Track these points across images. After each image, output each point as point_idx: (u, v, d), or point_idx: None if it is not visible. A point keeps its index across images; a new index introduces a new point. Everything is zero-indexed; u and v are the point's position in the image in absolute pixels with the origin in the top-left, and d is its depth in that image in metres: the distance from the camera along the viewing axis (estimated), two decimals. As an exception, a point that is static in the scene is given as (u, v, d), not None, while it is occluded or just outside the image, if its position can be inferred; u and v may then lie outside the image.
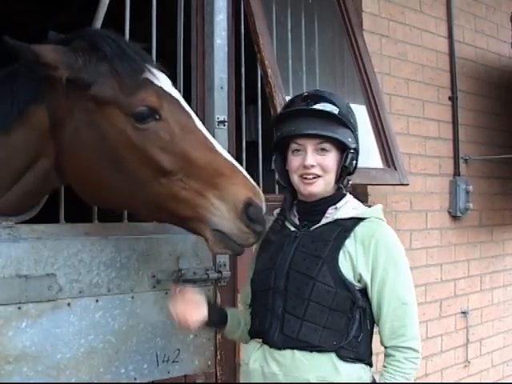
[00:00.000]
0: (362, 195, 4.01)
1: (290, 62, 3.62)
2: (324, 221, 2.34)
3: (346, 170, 2.33)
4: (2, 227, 2.44)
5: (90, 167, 2.25)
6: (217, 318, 2.46)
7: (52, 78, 2.20)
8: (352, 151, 2.33)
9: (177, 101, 2.29)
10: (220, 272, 3.04)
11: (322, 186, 2.32)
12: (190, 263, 2.93)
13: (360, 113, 3.81)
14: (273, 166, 2.45)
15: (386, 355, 2.26)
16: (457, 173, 4.79)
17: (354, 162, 2.35)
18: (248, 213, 2.18)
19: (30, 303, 2.47)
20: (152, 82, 2.23)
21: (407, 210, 4.39)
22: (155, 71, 2.28)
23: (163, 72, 2.33)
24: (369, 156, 3.71)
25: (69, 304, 2.58)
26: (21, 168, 2.35)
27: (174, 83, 3.10)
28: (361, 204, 2.42)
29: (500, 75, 5.17)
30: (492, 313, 5.24)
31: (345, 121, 2.32)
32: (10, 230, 2.46)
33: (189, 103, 3.12)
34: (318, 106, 2.31)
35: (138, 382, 2.76)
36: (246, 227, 2.20)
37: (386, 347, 2.27)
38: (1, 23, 4.42)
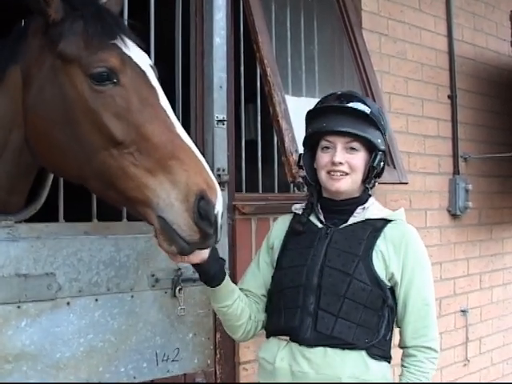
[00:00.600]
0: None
1: (289, 60, 3.61)
2: (353, 219, 2.36)
3: (373, 170, 2.35)
4: (1, 226, 2.44)
5: (47, 129, 2.17)
6: (216, 267, 2.33)
7: (34, 23, 2.21)
8: (380, 152, 2.36)
9: (143, 72, 2.17)
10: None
11: (349, 183, 2.33)
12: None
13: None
14: (301, 162, 2.45)
15: (407, 355, 2.30)
16: (456, 171, 4.79)
17: (382, 163, 2.38)
18: (199, 207, 2.01)
19: (29, 302, 2.47)
20: (119, 48, 2.15)
21: (407, 208, 4.32)
22: (130, 43, 2.20)
23: (141, 49, 2.26)
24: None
25: (68, 303, 2.58)
26: (1, 139, 2.31)
27: (173, 83, 3.13)
28: (383, 207, 2.47)
29: (499, 73, 5.18)
30: (492, 311, 5.24)
31: (376, 121, 2.35)
32: (9, 229, 2.46)
33: (188, 102, 3.17)
34: (350, 105, 2.34)
35: (137, 381, 2.77)
36: (194, 224, 2.02)
37: (407, 347, 2.31)
38: None
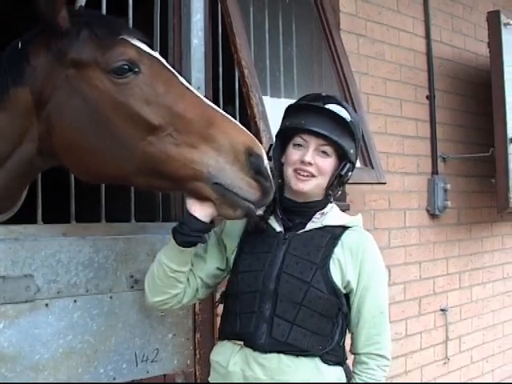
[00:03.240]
0: (340, 194, 4.03)
1: (267, 62, 3.62)
2: (312, 225, 2.34)
3: (340, 178, 2.34)
4: (-22, 229, 2.44)
5: (77, 138, 2.18)
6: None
7: (35, 42, 2.21)
8: (350, 164, 2.35)
9: (158, 59, 2.23)
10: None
11: (313, 186, 2.31)
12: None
13: (338, 112, 3.84)
14: (271, 153, 2.39)
15: (359, 362, 2.32)
16: (435, 171, 4.83)
17: (350, 173, 2.37)
18: (251, 163, 2.06)
19: (7, 304, 2.47)
20: (130, 41, 2.19)
21: (385, 208, 4.42)
22: (134, 38, 2.24)
23: (144, 42, 2.28)
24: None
25: (47, 305, 2.58)
26: (5, 152, 2.29)
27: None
28: (343, 212, 2.47)
29: (477, 74, 5.22)
30: (471, 310, 5.29)
31: (354, 132, 2.34)
32: (-14, 231, 2.46)
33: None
34: (333, 109, 2.31)
35: (117, 381, 2.77)
36: (252, 179, 2.07)
37: (359, 354, 2.32)
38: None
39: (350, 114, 2.34)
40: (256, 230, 2.36)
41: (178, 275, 2.29)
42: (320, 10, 3.89)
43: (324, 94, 2.43)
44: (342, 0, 4.14)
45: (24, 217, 2.64)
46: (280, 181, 2.37)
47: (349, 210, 4.05)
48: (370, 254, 2.33)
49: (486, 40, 4.81)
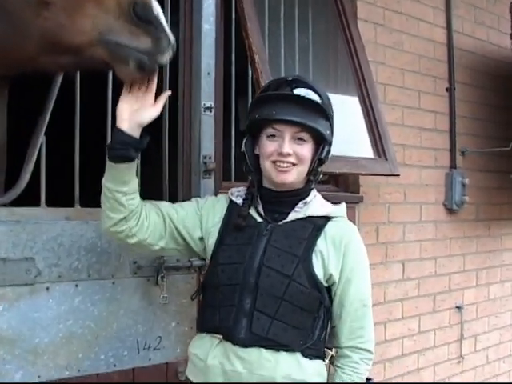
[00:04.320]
0: (353, 185, 3.98)
1: (282, 50, 3.57)
2: (294, 215, 2.27)
3: (320, 162, 2.28)
4: (-21, 210, 2.43)
5: None
6: (137, 141, 2.18)
7: None
8: (328, 145, 2.29)
9: None
10: (203, 259, 2.99)
11: (295, 175, 2.24)
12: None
13: (352, 102, 3.78)
14: (243, 148, 2.33)
15: (342, 356, 2.26)
16: (453, 165, 4.73)
17: (329, 155, 2.31)
18: (135, 12, 2.01)
19: (7, 286, 2.45)
20: None
21: (401, 201, 4.34)
22: None
23: None
24: (360, 146, 3.68)
25: (47, 288, 2.56)
26: None
27: (161, 69, 3.09)
28: (326, 201, 2.38)
29: (498, 66, 5.10)
30: (488, 308, 5.19)
31: (327, 112, 2.26)
32: (-13, 213, 2.44)
33: (176, 89, 3.14)
34: (302, 93, 2.23)
35: (117, 369, 2.75)
36: (136, 27, 2.02)
37: (341, 347, 2.27)
38: None
39: (319, 94, 2.26)
40: (235, 226, 2.28)
41: (116, 196, 2.18)
42: (337, -3, 3.82)
43: (290, 78, 2.32)
44: (360, -12, 4.07)
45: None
46: (256, 173, 2.31)
47: (362, 202, 4.00)
48: (354, 247, 2.27)
49: (510, 32, 4.71)
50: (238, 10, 3.22)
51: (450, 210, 4.75)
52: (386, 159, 3.65)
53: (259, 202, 2.31)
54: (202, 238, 2.37)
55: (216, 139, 3.13)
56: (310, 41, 3.73)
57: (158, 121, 3.07)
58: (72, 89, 2.78)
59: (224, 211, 2.36)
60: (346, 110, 3.74)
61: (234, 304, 2.19)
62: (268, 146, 2.23)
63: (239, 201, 2.34)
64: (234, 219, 2.30)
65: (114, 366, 2.74)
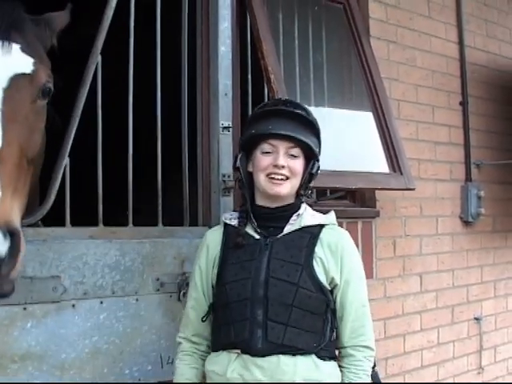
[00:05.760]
0: (369, 200, 4.04)
1: (297, 69, 3.65)
2: (290, 228, 2.38)
3: (310, 177, 2.41)
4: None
5: None
6: None
7: None
8: (317, 161, 2.42)
9: None
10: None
11: (289, 188, 2.36)
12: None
13: (367, 119, 3.85)
14: (238, 164, 2.44)
15: (346, 355, 2.35)
16: (468, 178, 4.77)
17: (319, 171, 2.44)
18: None
19: (34, 304, 2.54)
20: None
21: (417, 215, 4.39)
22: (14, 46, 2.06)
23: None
24: (375, 161, 3.74)
25: (73, 305, 2.65)
26: None
27: (179, 91, 3.19)
28: (315, 211, 2.49)
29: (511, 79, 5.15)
30: (507, 319, 5.18)
31: (317, 130, 2.42)
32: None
33: (194, 110, 3.23)
34: (296, 110, 2.39)
35: (142, 382, 2.82)
36: None
37: (344, 347, 2.35)
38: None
39: (309, 114, 2.41)
40: (235, 245, 2.38)
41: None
42: (349, 16, 3.91)
43: (284, 98, 2.50)
44: (372, 6, 4.15)
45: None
46: (249, 191, 2.42)
47: (379, 216, 4.05)
48: (349, 251, 2.40)
49: (522, 44, 4.76)
50: (253, 31, 3.31)
51: (466, 223, 4.78)
52: (402, 174, 3.71)
53: (253, 220, 2.40)
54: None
55: (234, 158, 3.20)
56: (324, 59, 3.81)
57: (178, 141, 3.19)
58: (94, 110, 2.87)
59: (221, 238, 2.45)
60: (361, 126, 3.82)
61: (246, 318, 2.27)
62: (263, 160, 2.35)
63: (234, 222, 2.44)
64: (233, 239, 2.39)
65: (139, 380, 2.81)
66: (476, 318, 4.86)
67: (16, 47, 2.06)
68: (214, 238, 2.49)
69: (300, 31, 3.70)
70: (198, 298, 2.45)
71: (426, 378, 4.39)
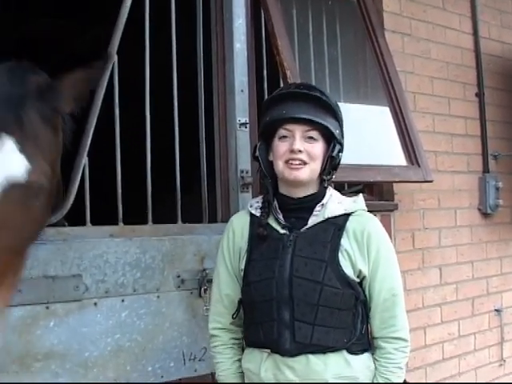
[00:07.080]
0: (387, 193, 4.03)
1: (312, 64, 3.65)
2: (314, 220, 2.29)
3: (331, 161, 2.30)
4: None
5: None
6: None
7: None
8: (339, 144, 2.31)
9: None
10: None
11: (308, 173, 2.26)
12: (215, 263, 2.97)
13: (383, 112, 3.84)
14: (257, 153, 2.37)
15: (377, 347, 2.30)
16: (486, 169, 4.74)
17: (340, 154, 2.33)
18: None
19: (57, 303, 2.57)
20: None
21: (435, 207, 4.37)
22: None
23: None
24: (392, 155, 3.73)
25: (95, 304, 2.67)
26: None
27: (195, 88, 3.20)
28: (342, 196, 2.40)
29: (528, 70, 5.11)
30: (528, 311, 5.16)
31: (335, 111, 2.31)
32: (37, 232, 2.54)
33: (211, 107, 3.24)
34: (311, 92, 2.29)
35: (164, 380, 2.84)
36: None
37: (375, 338, 2.30)
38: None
39: (327, 96, 2.31)
40: (259, 237, 2.32)
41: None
42: (363, 9, 3.90)
43: (298, 82, 2.38)
44: (386, -1, 4.13)
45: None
46: (271, 180, 2.35)
47: (397, 209, 4.04)
48: (375, 238, 2.28)
49: (537, 34, 4.73)
50: (267, 28, 3.31)
51: (485, 214, 4.75)
52: (419, 166, 3.70)
53: (279, 211, 2.34)
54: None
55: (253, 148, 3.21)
56: (339, 53, 3.80)
57: (195, 138, 3.20)
58: (112, 109, 2.88)
59: (247, 226, 2.39)
60: (378, 119, 3.81)
61: (273, 319, 2.23)
62: (281, 147, 2.27)
63: (257, 212, 2.37)
64: (256, 230, 2.34)
65: (162, 377, 2.83)
66: (496, 310, 4.83)
67: (8, 145, 1.81)
68: (240, 224, 2.41)
69: (314, 26, 3.69)
70: (230, 282, 2.40)
71: (448, 370, 4.38)
